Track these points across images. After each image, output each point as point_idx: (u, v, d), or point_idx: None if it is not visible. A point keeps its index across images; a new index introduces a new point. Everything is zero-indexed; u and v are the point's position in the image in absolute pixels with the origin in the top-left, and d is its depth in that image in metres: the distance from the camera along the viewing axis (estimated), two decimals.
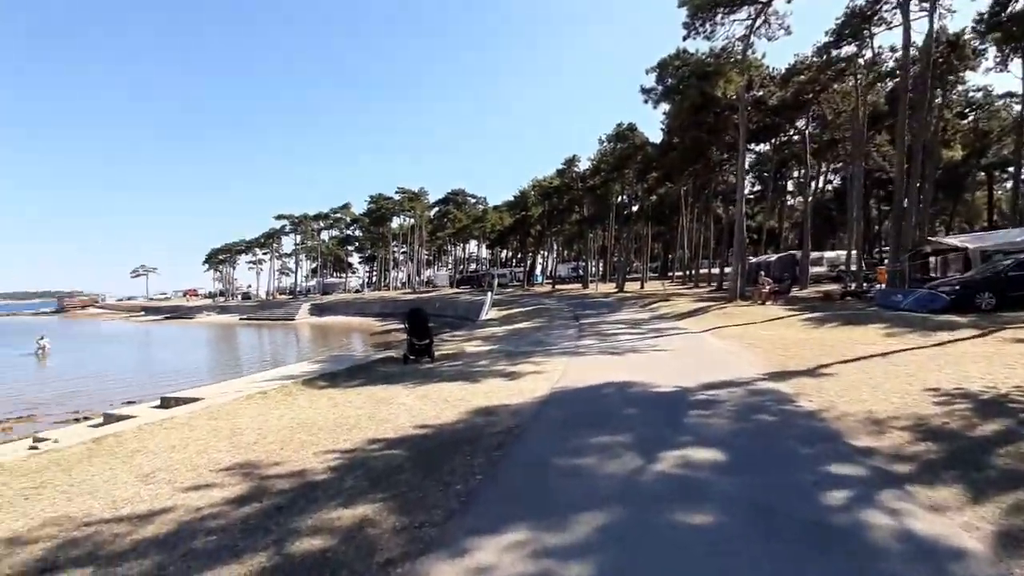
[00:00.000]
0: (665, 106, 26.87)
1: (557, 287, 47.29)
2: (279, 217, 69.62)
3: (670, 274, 47.34)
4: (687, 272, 39.65)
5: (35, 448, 4.91)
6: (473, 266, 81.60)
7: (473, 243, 77.23)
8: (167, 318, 68.83)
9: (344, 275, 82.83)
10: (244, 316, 60.44)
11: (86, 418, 11.18)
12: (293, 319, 53.21)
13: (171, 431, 5.17)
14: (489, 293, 30.81)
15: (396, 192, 64.73)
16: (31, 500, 3.46)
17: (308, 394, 6.96)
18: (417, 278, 74.80)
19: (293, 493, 3.38)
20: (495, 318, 22.51)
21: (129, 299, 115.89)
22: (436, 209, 67.53)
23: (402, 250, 76.45)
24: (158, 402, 7.20)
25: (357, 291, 68.15)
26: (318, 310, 55.17)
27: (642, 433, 4.36)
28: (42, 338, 33.78)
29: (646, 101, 25.60)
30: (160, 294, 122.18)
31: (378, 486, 3.42)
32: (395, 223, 69.10)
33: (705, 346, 10.16)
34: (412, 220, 65.94)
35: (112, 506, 3.30)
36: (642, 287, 35.38)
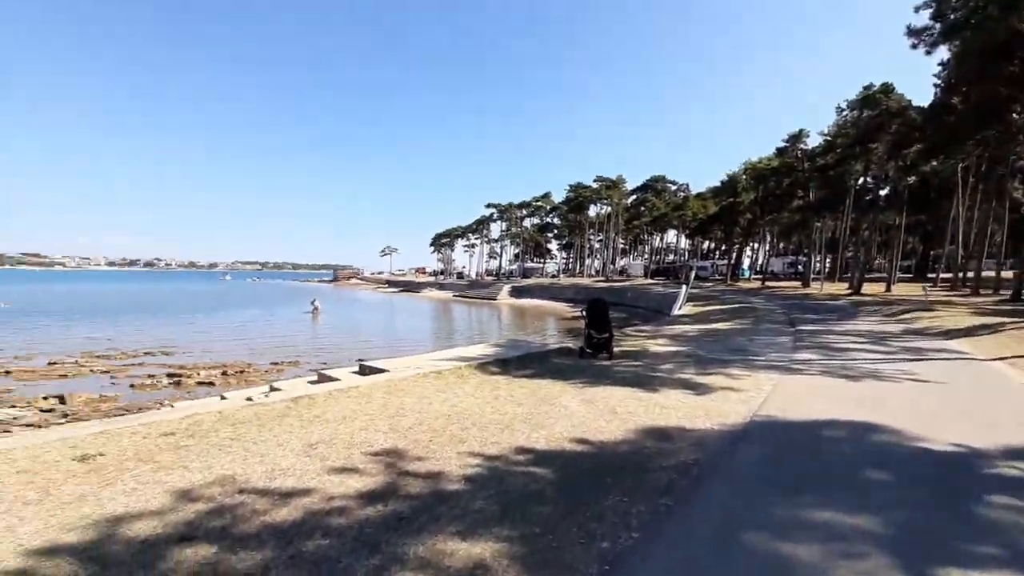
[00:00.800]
0: (941, 55, 20.33)
1: (768, 284, 41.13)
2: (488, 206, 76.35)
3: (931, 276, 36.53)
4: (957, 274, 30.11)
5: (250, 400, 5.73)
6: (671, 256, 77.01)
7: (672, 232, 72.65)
8: (401, 290, 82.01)
9: (543, 260, 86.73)
10: (457, 293, 68.19)
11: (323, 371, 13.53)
12: (495, 299, 57.83)
13: (350, 401, 5.52)
14: (684, 286, 28.20)
15: (594, 180, 64.54)
16: (220, 453, 3.86)
17: (476, 380, 6.88)
18: (611, 266, 73.93)
19: (421, 501, 3.03)
20: (689, 314, 20.37)
21: (379, 273, 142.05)
22: (634, 197, 65.22)
23: (598, 238, 76.37)
24: (357, 368, 8.05)
25: (553, 276, 70.58)
26: (517, 292, 58.85)
27: (901, 520, 2.86)
28: (314, 300, 43.34)
29: (915, 46, 19.78)
30: (399, 270, 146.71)
31: (508, 516, 2.84)
32: (592, 211, 69.17)
33: (1000, 383, 7.07)
34: (608, 208, 65.06)
35: (268, 475, 3.43)
36: (888, 290, 28.07)
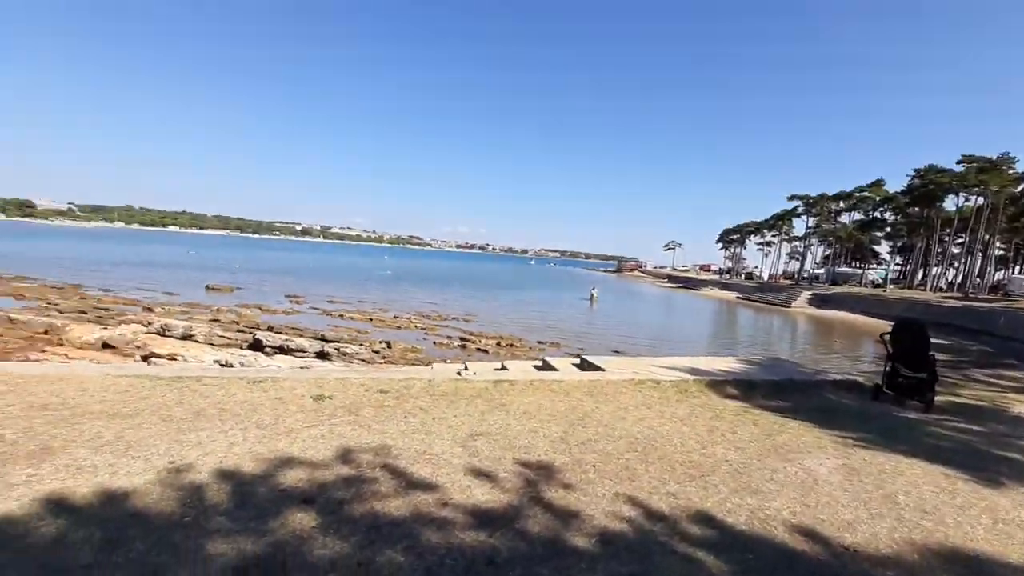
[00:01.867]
0: None
1: None
2: (792, 197, 65.01)
3: None
4: None
5: (458, 375, 6.02)
6: None
7: None
8: (680, 287, 78.89)
9: (863, 265, 69.22)
10: (742, 295, 61.29)
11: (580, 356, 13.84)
12: (788, 306, 49.41)
13: (542, 396, 5.18)
14: None
15: (959, 161, 47.34)
16: (401, 420, 4.06)
17: (698, 401, 5.60)
18: (978, 280, 53.62)
19: (527, 549, 2.40)
20: None
21: (661, 267, 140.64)
22: None
23: (957, 240, 56.19)
24: (578, 360, 7.70)
25: (876, 285, 55.52)
26: (819, 300, 48.82)
27: None
28: (593, 288, 45.65)
29: None
30: (682, 266, 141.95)
31: None
32: (949, 204, 50.91)
33: None
34: (980, 199, 46.63)
35: (416, 456, 3.36)
36: None
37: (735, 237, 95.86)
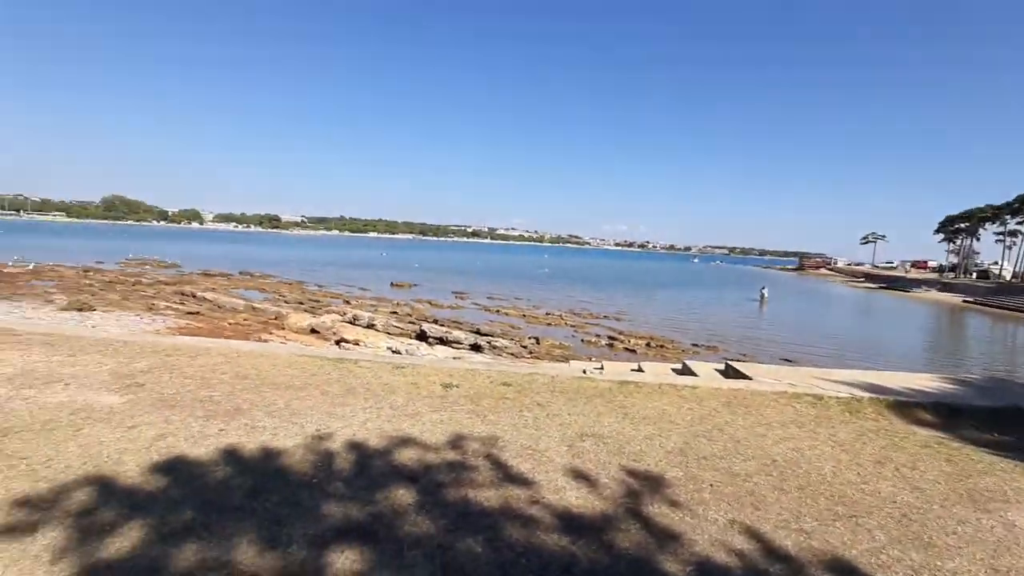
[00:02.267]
0: None
1: None
2: None
3: None
4: None
5: (583, 373, 5.87)
6: None
7: None
8: (882, 287, 66.12)
9: None
10: (970, 298, 48.92)
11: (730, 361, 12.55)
12: None
13: (670, 401, 4.78)
14: None
15: None
16: (516, 414, 4.14)
17: (871, 426, 4.57)
18: None
19: (610, 564, 2.25)
20: None
21: (856, 264, 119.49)
22: None
23: None
24: (723, 366, 6.91)
25: None
26: None
27: None
28: (763, 288, 40.90)
29: None
30: (886, 263, 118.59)
31: None
32: None
33: None
34: None
35: (521, 451, 3.39)
36: None
37: (963, 226, 76.43)
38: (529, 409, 4.33)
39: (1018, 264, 66.55)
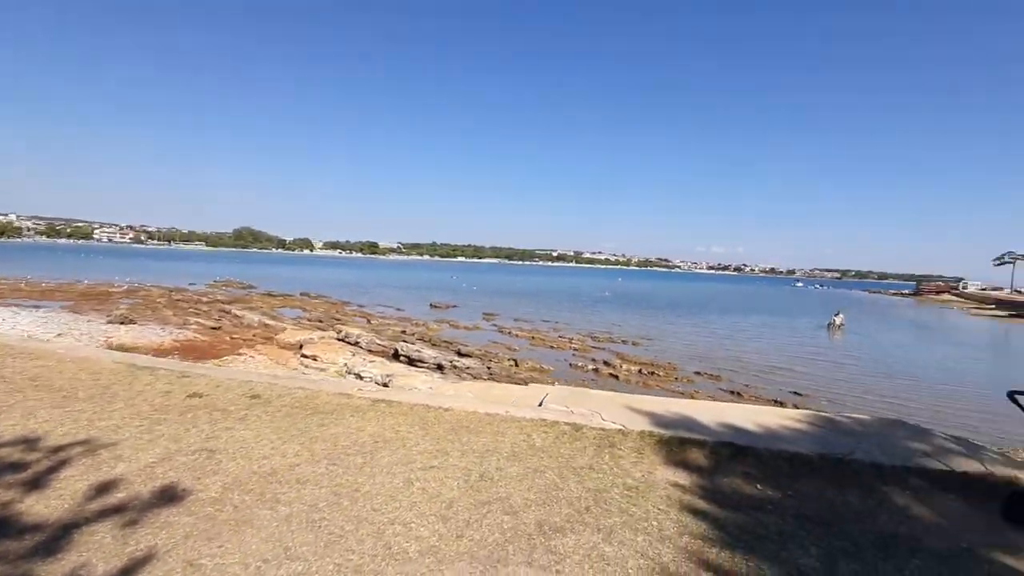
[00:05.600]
0: None
1: None
2: None
3: None
4: None
5: (358, 391, 5.77)
6: None
7: None
8: (1015, 315, 55.90)
9: None
10: None
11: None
12: None
13: (398, 421, 4.62)
14: None
15: None
16: (177, 423, 4.27)
17: (596, 466, 4.07)
18: None
19: None
20: None
21: (992, 290, 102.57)
22: None
23: None
24: (566, 391, 6.36)
25: None
26: None
27: None
28: (837, 314, 36.55)
29: None
30: None
31: None
32: None
33: None
34: None
35: (80, 456, 3.53)
36: None
37: None
38: (214, 421, 4.44)
39: None
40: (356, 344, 16.49)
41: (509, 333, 23.33)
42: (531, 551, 2.78)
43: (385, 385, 10.36)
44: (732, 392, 14.65)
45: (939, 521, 3.60)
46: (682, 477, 4.05)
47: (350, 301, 34.00)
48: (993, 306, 66.76)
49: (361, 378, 11.42)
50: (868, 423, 5.64)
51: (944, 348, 30.07)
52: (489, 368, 14.70)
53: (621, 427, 4.92)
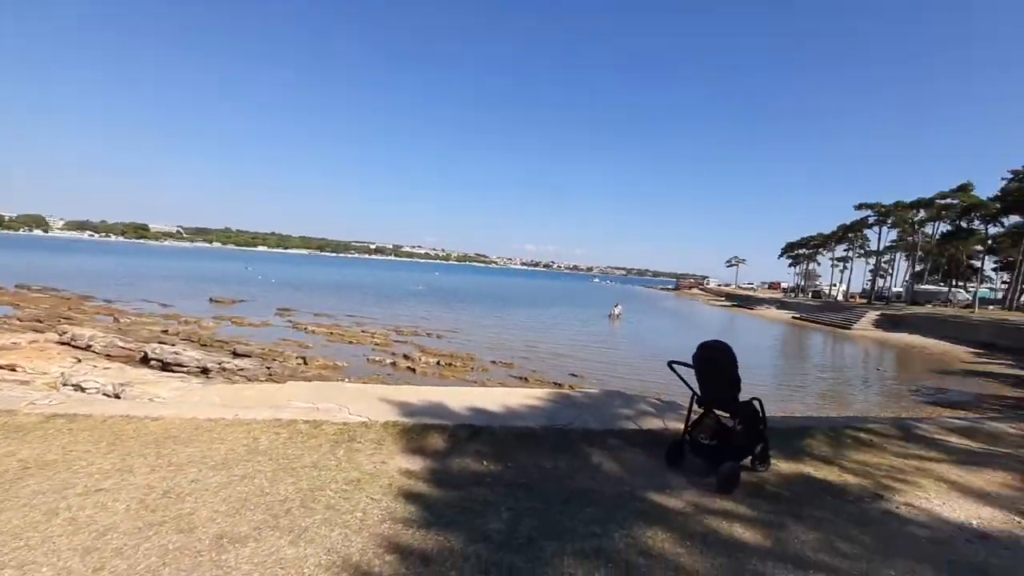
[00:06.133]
0: None
1: None
2: (860, 206, 57.83)
3: None
4: None
5: (33, 403, 4.58)
6: None
7: None
8: (734, 306, 72.96)
9: (958, 283, 60.04)
10: (799, 315, 55.33)
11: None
12: (850, 328, 43.64)
13: (60, 441, 3.65)
14: None
15: None
16: None
17: (322, 463, 3.78)
18: None
19: None
20: None
21: (725, 285, 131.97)
22: None
23: None
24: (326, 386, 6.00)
25: (966, 306, 47.66)
26: (889, 323, 42.59)
27: None
28: (616, 306, 42.71)
29: None
30: (747, 283, 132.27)
31: None
32: None
33: None
34: None
35: None
36: None
37: (802, 252, 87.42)
38: None
39: (848, 285, 77.08)
40: (88, 348, 13.17)
41: (305, 329, 21.47)
42: (192, 570, 2.41)
43: (117, 396, 8.48)
44: (520, 378, 15.84)
45: (621, 473, 4.30)
46: (416, 463, 4.08)
47: (93, 295, 27.26)
48: (723, 298, 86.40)
49: (83, 390, 9.11)
50: (595, 396, 6.56)
51: (687, 331, 37.68)
52: (269, 369, 13.21)
53: (366, 420, 4.77)
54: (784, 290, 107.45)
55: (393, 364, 16.01)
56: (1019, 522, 3.87)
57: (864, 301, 60.11)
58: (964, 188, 46.62)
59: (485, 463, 4.26)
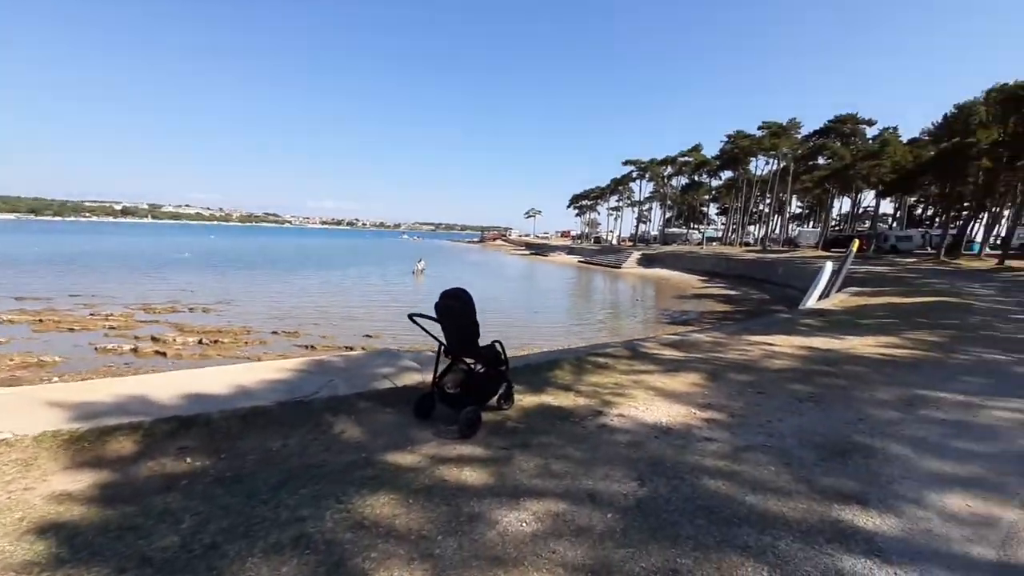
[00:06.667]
0: None
1: (1013, 264, 27.67)
2: (626, 163, 67.84)
3: None
4: None
5: None
6: (867, 223, 60.52)
7: (873, 194, 56.28)
8: (532, 254, 79.52)
9: (693, 227, 75.56)
10: (583, 259, 62.99)
11: None
12: (619, 267, 51.48)
13: None
14: (827, 264, 18.77)
15: (759, 127, 52.27)
16: None
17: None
18: (775, 234, 61.10)
19: None
20: (836, 309, 12.64)
21: (525, 235, 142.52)
22: (811, 145, 50.84)
23: (767, 200, 63.29)
24: None
25: (698, 244, 60.61)
26: (647, 261, 51.46)
27: None
28: (420, 260, 42.47)
29: None
30: (543, 233, 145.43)
31: None
32: (757, 166, 56.54)
33: None
34: (775, 162, 52.22)
35: None
36: None
37: (586, 203, 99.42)
38: None
39: (620, 231, 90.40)
40: None
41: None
42: None
43: None
44: (307, 346, 14.48)
45: (363, 438, 3.96)
46: (80, 481, 3.07)
47: None
48: (524, 248, 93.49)
49: None
50: (356, 358, 6.10)
51: (487, 280, 39.70)
52: None
53: (8, 436, 3.47)
54: (573, 237, 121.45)
55: (134, 351, 12.99)
56: (695, 413, 4.75)
57: (630, 244, 71.65)
58: (696, 148, 58.24)
59: (189, 460, 3.46)
